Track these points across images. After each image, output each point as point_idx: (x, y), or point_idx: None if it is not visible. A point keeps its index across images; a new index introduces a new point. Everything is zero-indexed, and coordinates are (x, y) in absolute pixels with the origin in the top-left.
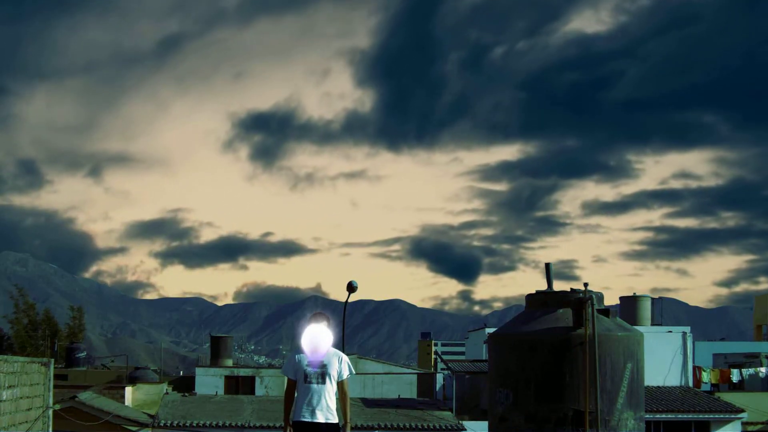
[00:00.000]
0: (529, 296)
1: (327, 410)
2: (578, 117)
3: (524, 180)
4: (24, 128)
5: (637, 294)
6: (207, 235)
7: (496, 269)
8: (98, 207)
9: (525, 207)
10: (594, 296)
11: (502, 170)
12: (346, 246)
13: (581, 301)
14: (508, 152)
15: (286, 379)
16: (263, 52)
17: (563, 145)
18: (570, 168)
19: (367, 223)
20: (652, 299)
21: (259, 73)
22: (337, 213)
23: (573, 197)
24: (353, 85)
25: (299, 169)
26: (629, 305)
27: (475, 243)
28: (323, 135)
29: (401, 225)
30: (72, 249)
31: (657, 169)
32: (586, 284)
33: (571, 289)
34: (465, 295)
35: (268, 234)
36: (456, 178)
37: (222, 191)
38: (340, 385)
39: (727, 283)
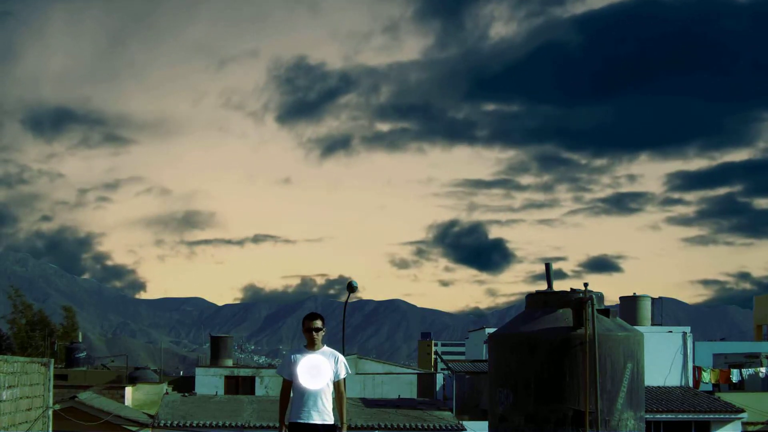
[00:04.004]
0: (529, 296)
1: (322, 411)
2: (688, 69)
3: (602, 148)
4: (25, 74)
5: (638, 294)
6: (212, 229)
7: (544, 260)
8: (100, 193)
9: (596, 182)
10: (594, 296)
11: (578, 137)
12: (371, 239)
13: (581, 301)
14: (590, 114)
15: (282, 379)
16: None
17: (659, 105)
18: (664, 133)
19: (402, 208)
20: (652, 299)
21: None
22: (368, 196)
23: (660, 170)
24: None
25: (329, 139)
26: (629, 305)
27: (524, 229)
28: (365, 92)
29: (445, 202)
30: (72, 247)
31: None
32: (586, 284)
33: (571, 288)
34: (497, 293)
35: (283, 228)
36: (514, 147)
37: (237, 173)
38: (337, 385)
39: None
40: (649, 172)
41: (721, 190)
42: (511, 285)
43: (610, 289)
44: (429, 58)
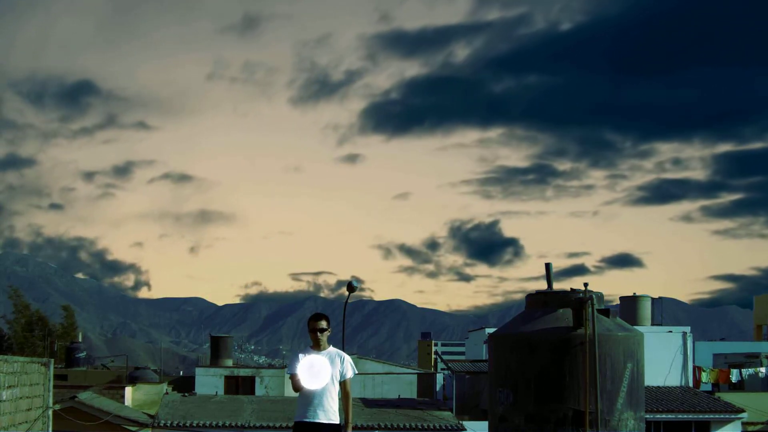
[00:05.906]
0: (529, 296)
1: (328, 410)
2: (753, 42)
3: (651, 128)
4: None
5: (638, 294)
6: (217, 224)
7: (573, 256)
8: (101, 183)
9: (638, 168)
10: (594, 296)
11: (626, 115)
12: (385, 240)
13: (581, 301)
14: (641, 90)
15: (287, 377)
16: None
17: (720, 81)
18: (721, 111)
19: (423, 197)
20: (652, 299)
21: None
22: (385, 188)
23: (709, 152)
24: None
25: (345, 128)
26: (629, 305)
27: (553, 221)
28: (391, 69)
29: (471, 189)
30: (72, 244)
31: None
32: (586, 284)
33: (571, 288)
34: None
35: (291, 224)
36: (553, 126)
37: (247, 162)
38: (343, 385)
39: None
40: (698, 155)
41: (763, 177)
42: (531, 282)
43: (629, 286)
44: (466, 24)
